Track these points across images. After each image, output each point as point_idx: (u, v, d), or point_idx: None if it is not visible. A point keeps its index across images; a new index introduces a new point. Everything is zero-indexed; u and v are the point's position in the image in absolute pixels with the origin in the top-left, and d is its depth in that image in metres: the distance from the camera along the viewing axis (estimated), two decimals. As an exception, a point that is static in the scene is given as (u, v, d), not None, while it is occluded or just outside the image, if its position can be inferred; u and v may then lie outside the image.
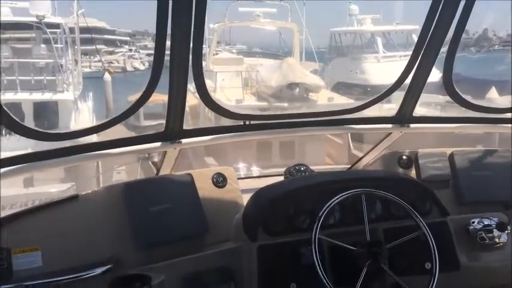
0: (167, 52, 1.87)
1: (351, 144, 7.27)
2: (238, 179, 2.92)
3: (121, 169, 7.79)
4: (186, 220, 2.02)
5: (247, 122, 2.40)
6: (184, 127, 2.26)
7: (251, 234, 1.94)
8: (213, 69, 10.91)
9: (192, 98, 5.02)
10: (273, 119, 2.49)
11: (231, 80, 10.78)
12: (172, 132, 2.23)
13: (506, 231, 2.09)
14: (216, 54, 13.67)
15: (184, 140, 2.28)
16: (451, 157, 2.42)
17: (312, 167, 2.65)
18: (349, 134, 7.28)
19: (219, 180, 2.25)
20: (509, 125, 2.73)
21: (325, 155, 8.46)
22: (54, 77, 10.12)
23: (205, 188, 2.18)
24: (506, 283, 2.17)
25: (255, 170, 3.89)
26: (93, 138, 2.25)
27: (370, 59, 14.19)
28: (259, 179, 2.85)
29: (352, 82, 13.76)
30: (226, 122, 2.41)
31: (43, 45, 10.38)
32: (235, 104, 9.27)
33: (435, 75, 2.41)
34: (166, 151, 2.37)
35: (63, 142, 2.01)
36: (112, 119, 2.06)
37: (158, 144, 2.24)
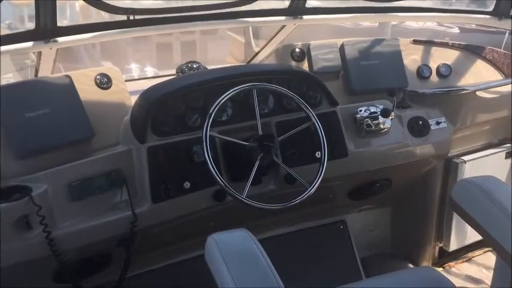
0: None
1: (253, 42, 7.17)
2: (130, 80, 2.76)
3: (8, 77, 7.15)
4: (68, 125, 1.87)
5: (131, 17, 2.22)
6: (60, 24, 2.05)
7: (140, 136, 1.86)
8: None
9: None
10: (160, 13, 2.32)
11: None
12: (45, 29, 2.00)
13: (390, 117, 2.18)
14: None
15: (60, 39, 2.07)
16: (342, 48, 2.43)
17: (212, 66, 2.55)
18: (250, 32, 7.13)
19: (103, 81, 2.09)
20: (400, 13, 2.79)
21: (228, 54, 8.31)
22: None
23: (87, 90, 2.01)
24: (389, 165, 2.33)
25: (151, 71, 3.70)
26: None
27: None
28: (152, 79, 2.71)
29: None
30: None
31: None
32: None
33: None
34: (41, 52, 2.15)
35: None
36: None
37: (30, 44, 2.01)
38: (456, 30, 7.80)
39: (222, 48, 8.21)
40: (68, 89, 1.92)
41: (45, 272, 1.80)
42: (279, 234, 2.49)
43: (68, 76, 1.96)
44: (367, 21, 6.94)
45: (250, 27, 6.18)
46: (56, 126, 1.84)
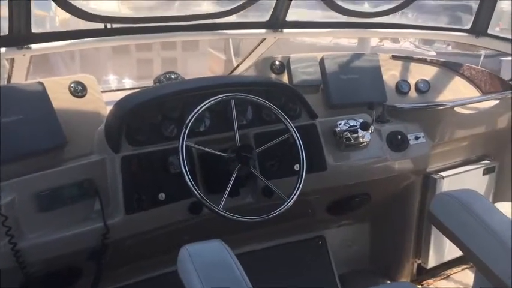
0: None
1: (233, 59, 7.19)
2: (109, 91, 2.71)
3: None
4: (39, 133, 1.80)
5: (108, 26, 2.19)
6: (34, 30, 2.00)
7: (114, 145, 1.80)
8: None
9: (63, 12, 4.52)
10: (138, 22, 2.29)
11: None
12: (19, 35, 1.95)
13: (370, 131, 2.17)
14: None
15: (34, 46, 2.02)
16: (322, 62, 2.42)
17: (190, 79, 2.52)
18: (231, 49, 7.14)
19: (78, 89, 2.03)
20: (379, 29, 2.81)
21: (208, 70, 8.32)
22: None
23: (61, 98, 1.95)
24: (368, 180, 2.31)
25: (129, 84, 3.65)
26: None
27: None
28: (129, 91, 2.66)
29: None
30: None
31: None
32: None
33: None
34: (14, 59, 2.10)
35: None
36: None
37: (2, 50, 1.96)
38: (433, 53, 7.94)
39: (202, 65, 8.22)
40: (40, 96, 1.86)
41: (10, 284, 1.72)
42: (256, 249, 2.44)
43: (41, 83, 1.89)
44: (347, 37, 7.02)
45: (231, 44, 6.19)
46: (27, 134, 1.77)
